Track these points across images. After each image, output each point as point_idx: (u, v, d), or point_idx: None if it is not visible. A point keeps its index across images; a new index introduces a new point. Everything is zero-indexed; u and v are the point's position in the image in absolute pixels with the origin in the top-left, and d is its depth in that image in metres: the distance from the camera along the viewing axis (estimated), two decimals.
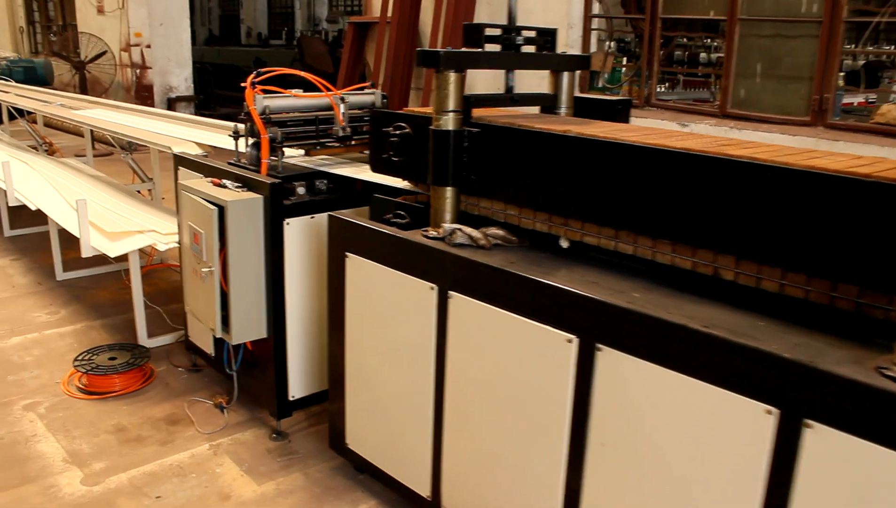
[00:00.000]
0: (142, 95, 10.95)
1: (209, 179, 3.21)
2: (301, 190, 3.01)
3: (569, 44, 5.58)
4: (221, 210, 2.90)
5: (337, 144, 3.21)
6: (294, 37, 27.46)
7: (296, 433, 3.32)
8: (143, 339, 4.10)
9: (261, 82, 3.08)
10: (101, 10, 11.06)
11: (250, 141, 3.21)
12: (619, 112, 2.89)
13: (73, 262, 5.30)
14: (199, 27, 22.27)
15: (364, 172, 3.01)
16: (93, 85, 10.91)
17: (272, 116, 3.07)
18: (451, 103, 2.36)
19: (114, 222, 4.18)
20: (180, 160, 3.59)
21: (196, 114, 11.78)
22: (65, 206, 4.64)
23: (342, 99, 3.15)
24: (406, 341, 2.52)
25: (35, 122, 8.67)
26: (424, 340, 2.43)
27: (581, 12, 5.60)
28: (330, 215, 2.69)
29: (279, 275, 3.03)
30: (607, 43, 6.38)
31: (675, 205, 1.96)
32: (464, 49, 2.37)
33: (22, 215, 5.48)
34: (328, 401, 2.93)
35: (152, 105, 10.85)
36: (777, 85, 5.67)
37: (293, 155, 3.32)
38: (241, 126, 3.28)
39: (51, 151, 8.29)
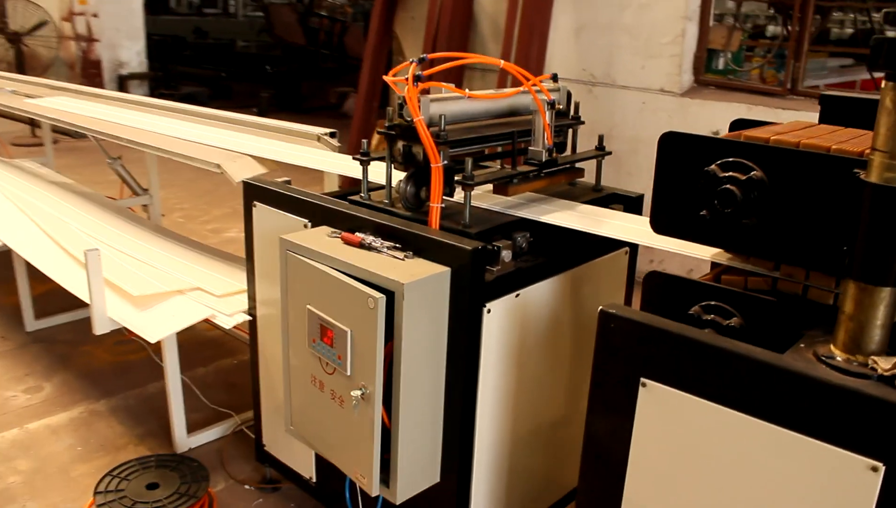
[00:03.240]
0: (89, 72, 9.31)
1: (326, 229, 2.03)
2: (506, 255, 1.86)
3: (687, 15, 4.48)
4: (390, 296, 1.73)
5: (539, 174, 2.05)
6: (229, 5, 25.60)
7: None
8: (182, 439, 2.88)
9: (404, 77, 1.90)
10: None
11: (389, 169, 2.04)
12: None
13: (44, 300, 3.97)
14: None
15: (613, 225, 1.88)
16: (30, 61, 9.21)
17: (448, 130, 1.89)
18: None
19: (130, 273, 2.91)
20: (254, 191, 2.36)
21: (152, 94, 10.18)
22: (44, 241, 3.33)
23: (551, 105, 1.99)
24: None
25: None
26: None
27: None
28: (604, 312, 1.55)
29: (470, 391, 1.89)
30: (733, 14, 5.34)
31: None
32: None
33: None
34: None
35: (101, 84, 9.26)
36: None
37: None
38: (361, 144, 2.12)
39: None
